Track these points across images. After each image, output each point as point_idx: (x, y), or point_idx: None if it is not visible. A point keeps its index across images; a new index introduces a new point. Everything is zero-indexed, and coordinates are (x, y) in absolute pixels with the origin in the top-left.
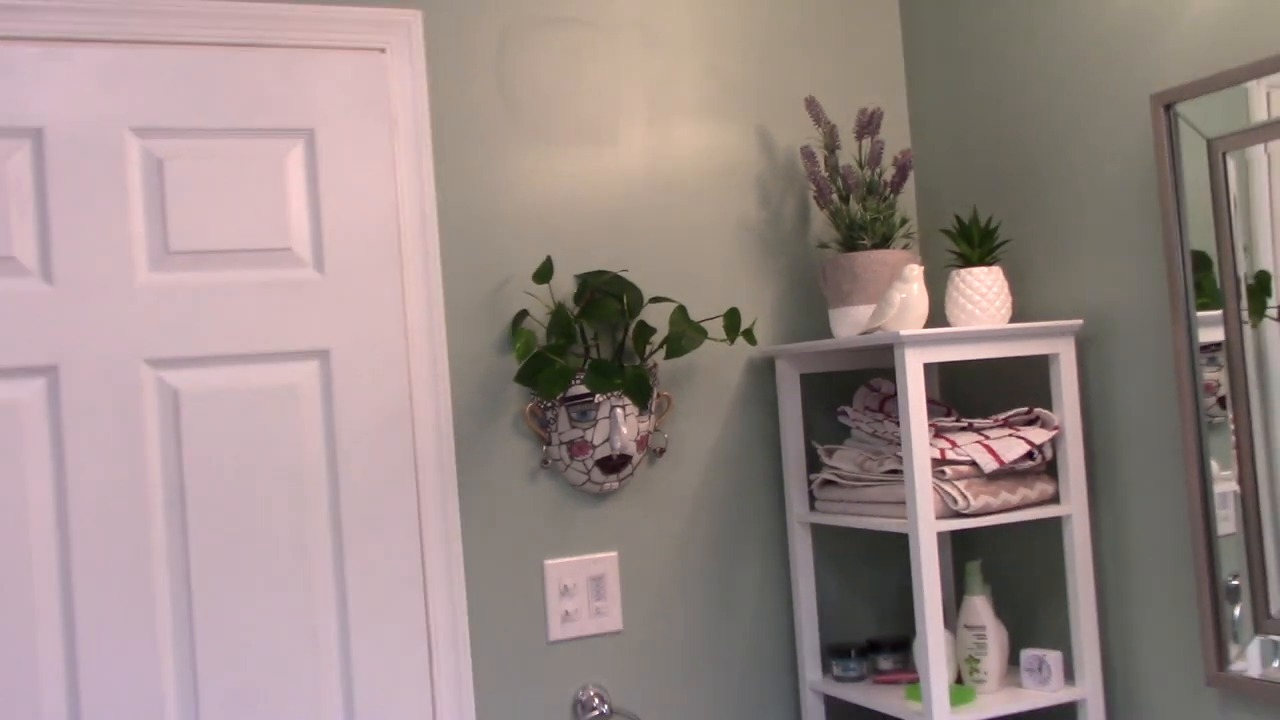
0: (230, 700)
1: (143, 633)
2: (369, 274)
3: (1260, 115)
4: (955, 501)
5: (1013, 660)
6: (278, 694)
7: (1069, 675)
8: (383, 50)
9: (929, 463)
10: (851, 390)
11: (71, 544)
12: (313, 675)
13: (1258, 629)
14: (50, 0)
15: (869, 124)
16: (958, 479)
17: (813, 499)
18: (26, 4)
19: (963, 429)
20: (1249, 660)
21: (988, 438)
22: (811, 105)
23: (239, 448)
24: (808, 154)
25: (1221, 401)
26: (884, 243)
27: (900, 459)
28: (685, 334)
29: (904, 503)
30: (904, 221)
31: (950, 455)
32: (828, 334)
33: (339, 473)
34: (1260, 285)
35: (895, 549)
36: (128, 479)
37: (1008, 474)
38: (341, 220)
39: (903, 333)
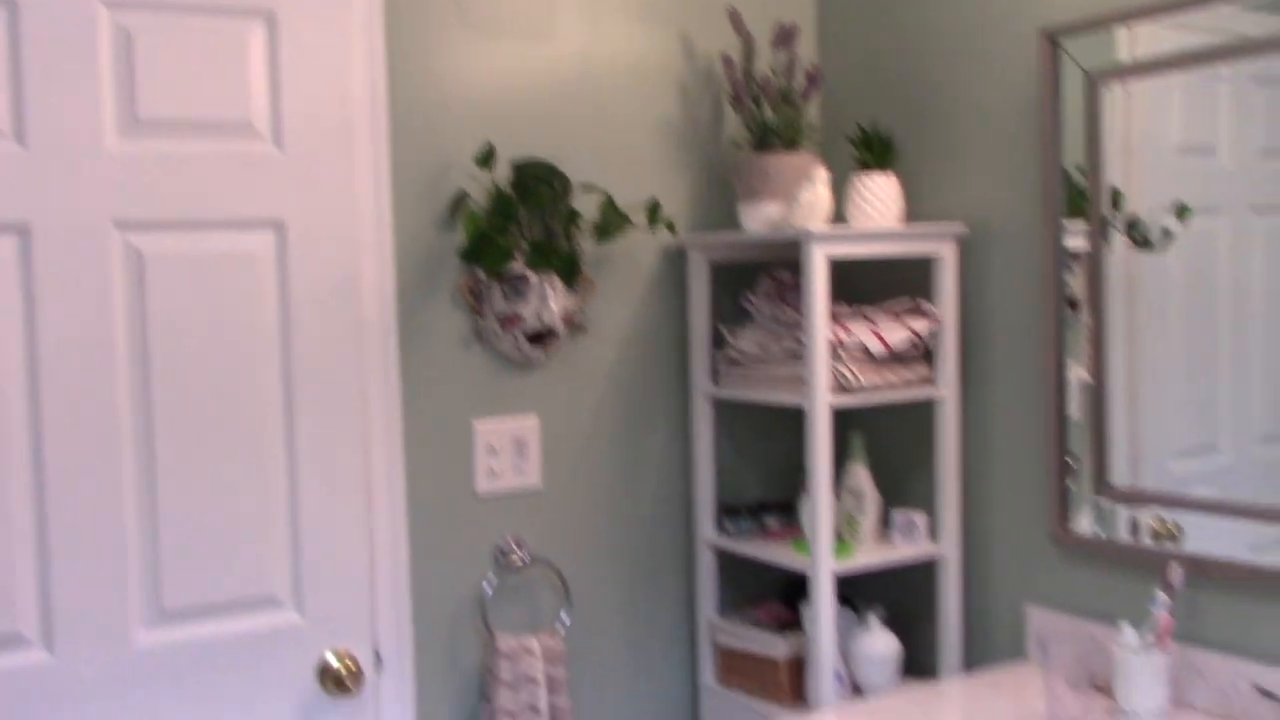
0: (187, 537)
1: (108, 476)
2: (323, 152)
3: (1124, 57)
4: (847, 380)
5: (884, 521)
6: (231, 534)
7: (933, 534)
8: None
9: (828, 345)
10: (755, 280)
11: (42, 392)
12: (263, 518)
13: (1097, 491)
14: None
15: (784, 37)
16: (850, 360)
17: (716, 375)
18: None
19: (856, 316)
20: (1085, 521)
21: (877, 325)
22: (733, 16)
23: (199, 309)
24: (727, 61)
25: (1074, 304)
26: (792, 146)
27: (799, 342)
28: (612, 220)
29: (801, 380)
30: (811, 128)
31: (845, 340)
32: (737, 227)
33: (291, 335)
34: (1112, 203)
35: (782, 423)
36: (95, 333)
37: (891, 358)
38: (299, 99)
39: (811, 229)
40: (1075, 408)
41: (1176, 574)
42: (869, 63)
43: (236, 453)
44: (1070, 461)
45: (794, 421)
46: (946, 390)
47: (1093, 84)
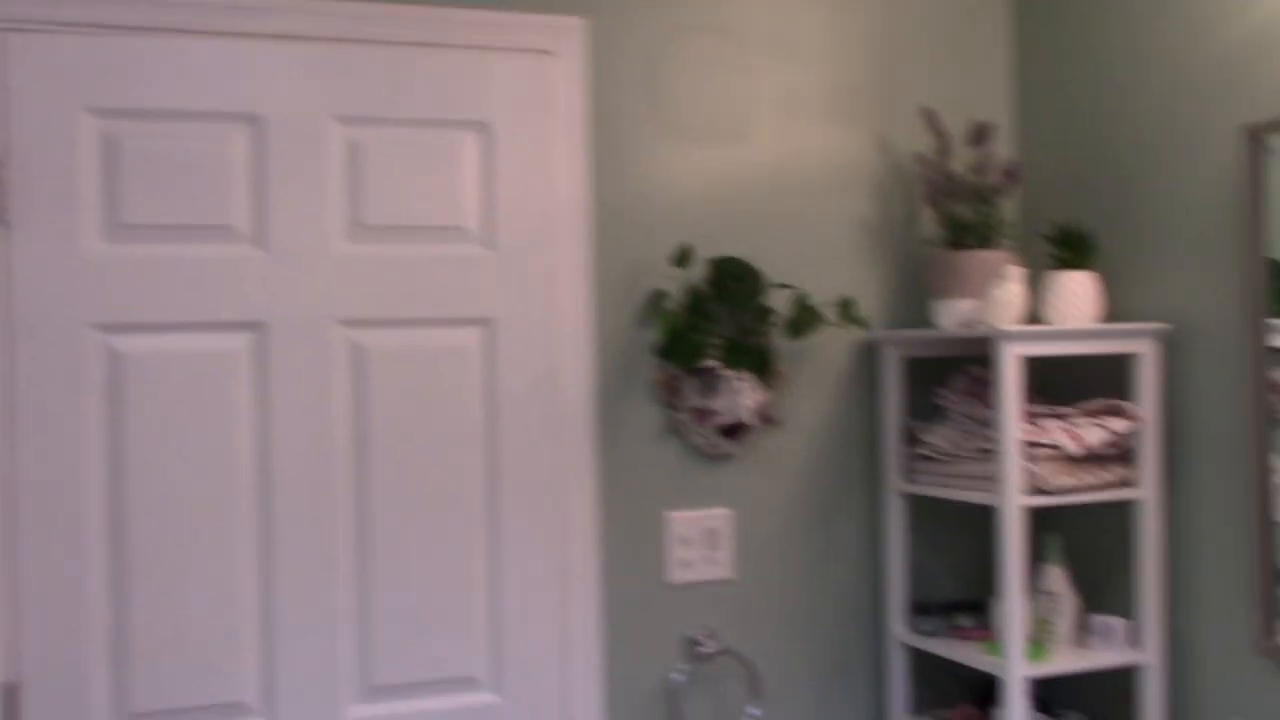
0: (395, 621)
1: (328, 559)
2: (530, 252)
3: None
4: (1040, 480)
5: (1083, 626)
6: (436, 618)
7: (1133, 640)
8: (551, 53)
9: (1019, 443)
10: (947, 376)
11: (272, 478)
12: (465, 603)
13: None
14: (270, 1)
15: (979, 135)
16: (1044, 460)
17: (908, 471)
18: (250, 4)
19: (1051, 416)
20: None
21: (1074, 425)
22: (927, 115)
23: (414, 400)
24: (922, 159)
25: None
26: (986, 243)
27: (991, 439)
28: (805, 317)
29: (992, 478)
30: (1006, 225)
31: (1039, 439)
32: (929, 323)
33: (496, 426)
34: None
35: (977, 520)
36: (320, 423)
37: (1090, 459)
38: (509, 203)
39: (1002, 327)
40: None
41: None
42: (1066, 160)
43: (444, 539)
44: (1277, 569)
45: (989, 520)
46: (1147, 491)
47: None
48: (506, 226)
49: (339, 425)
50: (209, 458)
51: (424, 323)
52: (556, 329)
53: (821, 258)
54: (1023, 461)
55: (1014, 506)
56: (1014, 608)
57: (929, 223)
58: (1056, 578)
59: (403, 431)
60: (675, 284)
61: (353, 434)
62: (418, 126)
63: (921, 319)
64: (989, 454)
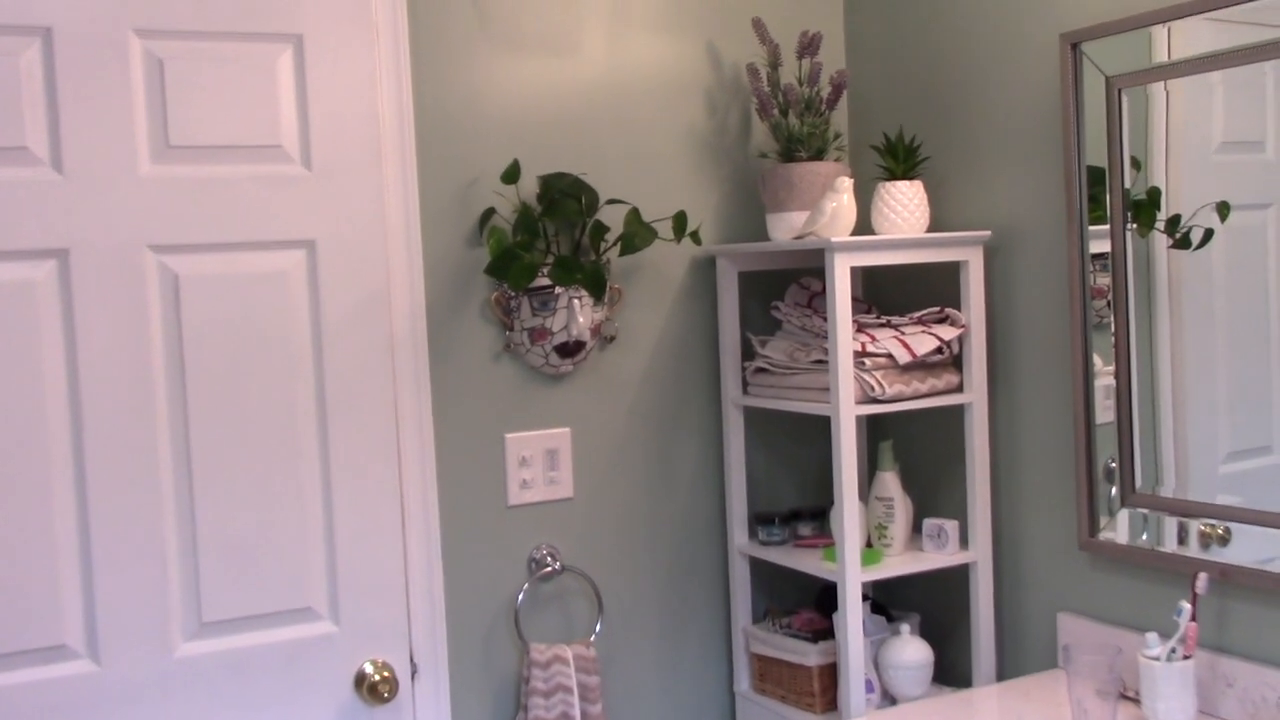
0: (225, 550)
1: (148, 491)
2: (352, 172)
3: (1161, 57)
4: (873, 389)
5: (915, 529)
6: (267, 548)
7: (964, 541)
8: None
9: (852, 355)
10: (784, 288)
11: (83, 412)
12: (298, 532)
13: (1124, 502)
14: None
15: (809, 45)
16: (875, 369)
17: (745, 384)
18: None
19: (881, 325)
20: (1117, 529)
21: (903, 333)
22: (758, 25)
23: (233, 328)
24: (752, 70)
25: (1107, 304)
26: (818, 155)
27: (826, 350)
28: (638, 233)
29: (828, 389)
30: (837, 136)
31: (870, 348)
32: (764, 236)
33: (323, 353)
34: (1151, 200)
35: (816, 430)
36: (133, 354)
37: (919, 366)
38: (327, 121)
39: (834, 239)
40: (1108, 413)
41: (1202, 582)
42: (894, 70)
43: (272, 468)
44: (1102, 469)
45: (827, 430)
46: (974, 396)
47: (1112, 88)
48: (325, 144)
49: (155, 355)
50: (13, 394)
51: (240, 246)
52: (384, 250)
53: (655, 172)
54: (856, 370)
55: (847, 415)
56: (848, 515)
57: (762, 135)
58: (890, 484)
59: (223, 360)
60: (506, 202)
61: (168, 364)
62: (225, 39)
63: (757, 232)
64: (823, 365)
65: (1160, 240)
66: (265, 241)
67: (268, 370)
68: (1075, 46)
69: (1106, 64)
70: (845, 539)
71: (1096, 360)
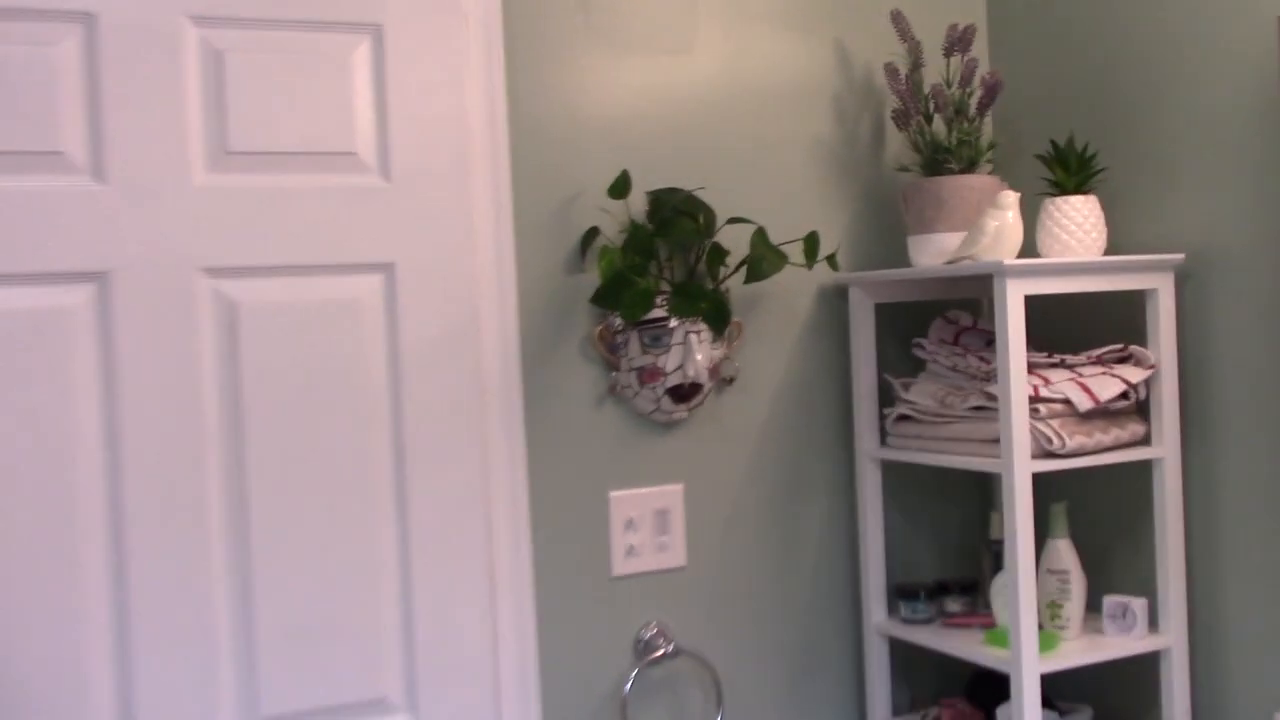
0: (286, 628)
1: (197, 558)
2: (436, 183)
3: None
4: (1050, 441)
5: (1092, 606)
6: (334, 625)
7: (1153, 623)
8: None
9: (1026, 401)
10: (925, 323)
11: (122, 466)
12: (372, 607)
13: None
14: None
15: (960, 40)
16: (1051, 417)
17: (884, 434)
18: None
19: (1055, 365)
20: None
21: (1081, 375)
22: (897, 19)
23: (299, 366)
24: (891, 71)
25: None
26: (970, 167)
27: (987, 395)
28: (766, 257)
29: (990, 440)
30: (991, 146)
31: (1044, 393)
32: (903, 262)
33: (401, 393)
34: None
35: (962, 487)
36: (182, 395)
37: (1100, 413)
38: (409, 124)
39: (1006, 262)
40: None
41: None
42: (1050, 69)
43: (341, 530)
44: None
45: (975, 487)
46: (1166, 450)
47: None
48: (406, 152)
49: (207, 398)
50: (39, 443)
51: (309, 270)
52: (472, 275)
53: (776, 188)
54: (1031, 420)
55: (1022, 473)
56: (1024, 593)
57: (897, 145)
58: (1065, 554)
59: (287, 403)
60: (613, 221)
61: (222, 407)
62: (293, 29)
63: (893, 258)
64: (985, 412)
65: None
66: (337, 264)
67: (338, 415)
68: None
69: None
70: (1021, 621)
71: None
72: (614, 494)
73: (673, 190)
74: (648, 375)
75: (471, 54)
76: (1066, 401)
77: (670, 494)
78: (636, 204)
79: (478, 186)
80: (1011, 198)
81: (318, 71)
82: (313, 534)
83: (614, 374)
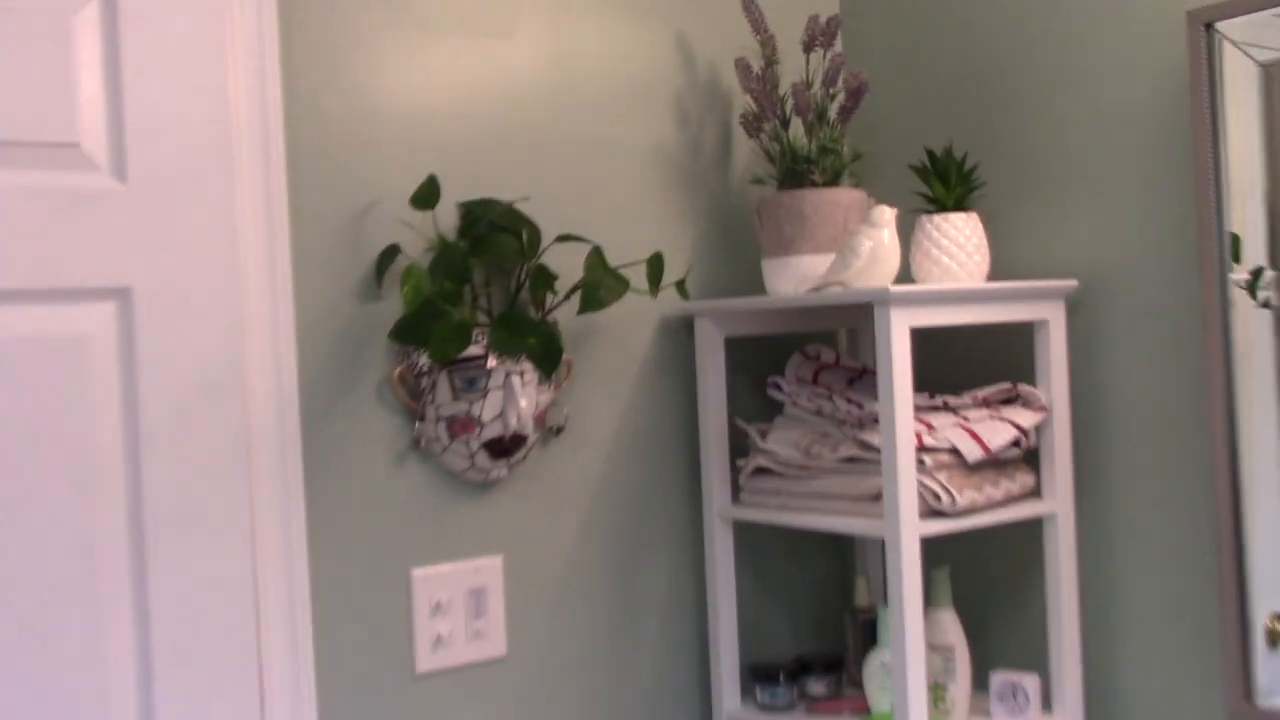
0: None
1: None
2: (188, 188)
3: None
4: (938, 498)
5: (978, 684)
6: None
7: (1046, 704)
8: None
9: (913, 451)
10: (781, 359)
11: None
12: None
13: None
14: None
15: (822, 33)
16: (938, 469)
17: (736, 489)
18: None
19: (938, 409)
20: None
21: (968, 420)
22: (750, 7)
23: (3, 417)
24: (743, 67)
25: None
26: (835, 179)
27: (862, 444)
28: (604, 283)
29: (867, 498)
30: (857, 156)
31: (928, 441)
32: (754, 287)
33: (141, 453)
34: None
35: (817, 546)
36: None
37: (989, 464)
38: (151, 109)
39: (892, 289)
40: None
41: None
42: (918, 72)
43: (61, 644)
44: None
45: (832, 546)
46: (1058, 504)
47: (1272, 80)
48: (148, 146)
49: None
50: None
51: (14, 296)
52: (235, 302)
53: (611, 200)
54: (919, 475)
55: (909, 536)
56: (913, 675)
57: (746, 155)
58: (949, 626)
59: None
60: (418, 237)
61: None
62: None
63: (744, 284)
64: (860, 464)
65: None
66: (55, 289)
67: (50, 484)
68: (1209, 27)
69: (1257, 48)
70: (910, 707)
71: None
72: (417, 572)
73: (490, 201)
74: (460, 426)
75: (236, 23)
76: (954, 451)
77: (487, 569)
78: (446, 217)
79: (244, 191)
80: (888, 214)
81: (28, 35)
82: (20, 637)
83: (419, 425)
